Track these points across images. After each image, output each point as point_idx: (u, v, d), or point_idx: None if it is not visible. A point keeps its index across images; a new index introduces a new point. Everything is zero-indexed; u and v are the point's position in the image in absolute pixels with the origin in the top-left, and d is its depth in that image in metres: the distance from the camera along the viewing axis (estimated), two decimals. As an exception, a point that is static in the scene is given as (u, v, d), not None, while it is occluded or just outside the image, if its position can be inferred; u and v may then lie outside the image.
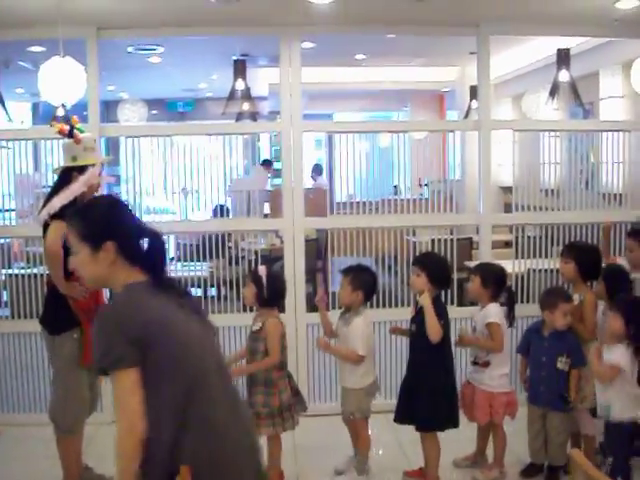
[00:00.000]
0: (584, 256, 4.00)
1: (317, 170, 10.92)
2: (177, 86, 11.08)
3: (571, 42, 6.03)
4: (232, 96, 6.89)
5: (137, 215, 5.11)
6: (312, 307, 4.54)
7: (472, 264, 5.11)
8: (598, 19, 4.72)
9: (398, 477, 3.94)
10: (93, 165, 3.59)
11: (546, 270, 4.95)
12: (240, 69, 6.84)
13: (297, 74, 4.83)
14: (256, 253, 5.05)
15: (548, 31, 5.09)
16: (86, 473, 3.75)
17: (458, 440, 3.97)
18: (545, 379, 3.79)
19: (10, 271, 4.96)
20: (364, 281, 3.87)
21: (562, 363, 3.73)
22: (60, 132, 3.59)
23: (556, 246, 4.90)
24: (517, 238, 5.13)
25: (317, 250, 6.82)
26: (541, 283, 4.92)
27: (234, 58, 6.89)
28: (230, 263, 5.07)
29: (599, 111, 6.97)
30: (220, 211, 5.51)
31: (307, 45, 5.84)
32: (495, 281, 3.91)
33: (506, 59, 7.71)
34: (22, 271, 4.90)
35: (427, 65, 9.48)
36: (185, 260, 5.37)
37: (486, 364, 3.85)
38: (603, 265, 4.07)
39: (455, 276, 4.62)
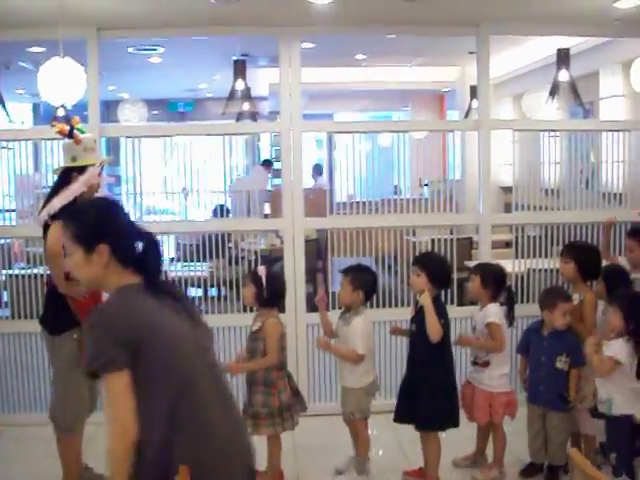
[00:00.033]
0: (584, 256, 4.00)
1: (317, 170, 10.92)
2: (177, 86, 11.10)
3: (571, 42, 6.03)
4: (232, 96, 6.89)
5: (137, 215, 5.15)
6: (312, 307, 4.54)
7: (472, 264, 5.11)
8: (598, 19, 4.72)
9: (398, 477, 3.94)
10: (93, 165, 3.59)
11: (546, 270, 4.95)
12: (240, 69, 6.84)
13: (297, 74, 4.83)
14: (256, 253, 5.05)
15: (548, 31, 5.08)
16: (86, 473, 3.75)
17: (458, 440, 3.97)
18: (544, 379, 3.79)
19: (10, 271, 4.96)
20: (364, 281, 3.87)
21: (561, 363, 3.74)
22: (60, 132, 3.60)
23: (556, 246, 4.90)
24: (517, 238, 5.13)
25: (317, 250, 6.83)
26: (541, 283, 4.92)
27: (234, 58, 6.89)
28: (230, 263, 5.08)
29: (599, 111, 6.98)
30: (220, 211, 5.52)
31: (307, 45, 5.84)
32: (495, 281, 3.92)
33: (506, 59, 7.72)
34: (22, 271, 4.90)
35: (427, 65, 9.47)
36: (185, 260, 5.38)
37: (486, 364, 3.85)
38: (603, 264, 4.08)
39: (455, 276, 4.62)
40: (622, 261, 4.28)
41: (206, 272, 5.14)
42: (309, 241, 5.85)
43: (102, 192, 4.13)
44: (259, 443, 3.73)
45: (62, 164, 3.71)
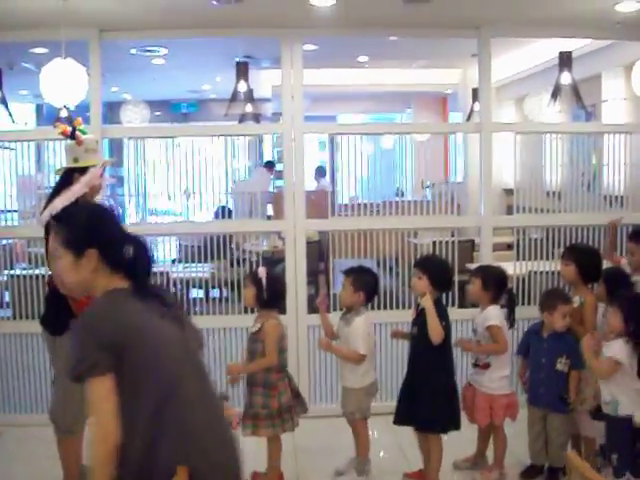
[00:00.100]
0: (584, 258, 4.00)
1: (320, 172, 10.93)
2: (180, 88, 11.11)
3: (573, 44, 6.04)
4: (234, 98, 6.90)
5: (140, 216, 5.16)
6: (313, 309, 4.55)
7: (473, 266, 5.11)
8: (599, 22, 4.72)
9: (398, 479, 3.94)
10: (95, 166, 3.60)
11: (547, 272, 4.94)
12: (242, 71, 6.84)
13: (299, 76, 4.84)
14: (258, 255, 5.06)
15: (549, 33, 5.09)
16: (86, 473, 3.76)
17: (458, 442, 3.96)
18: (545, 380, 3.79)
19: (12, 272, 4.97)
20: (366, 282, 3.88)
21: (561, 364, 3.74)
22: (62, 133, 3.61)
23: (558, 248, 4.89)
24: (519, 240, 5.13)
25: (319, 252, 6.83)
26: (542, 285, 4.91)
27: (237, 60, 6.91)
28: (232, 264, 5.08)
29: (601, 113, 6.97)
30: (222, 212, 5.53)
31: (309, 47, 5.85)
32: (496, 283, 3.91)
33: (508, 62, 7.72)
34: (24, 272, 4.91)
35: (429, 67, 9.49)
36: (187, 261, 5.38)
37: (486, 366, 3.85)
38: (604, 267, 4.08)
39: (456, 278, 4.62)
40: (623, 264, 4.28)
41: (208, 273, 5.14)
42: (311, 243, 5.85)
43: (105, 193, 4.14)
44: (259, 444, 3.75)
45: (64, 165, 3.73)
